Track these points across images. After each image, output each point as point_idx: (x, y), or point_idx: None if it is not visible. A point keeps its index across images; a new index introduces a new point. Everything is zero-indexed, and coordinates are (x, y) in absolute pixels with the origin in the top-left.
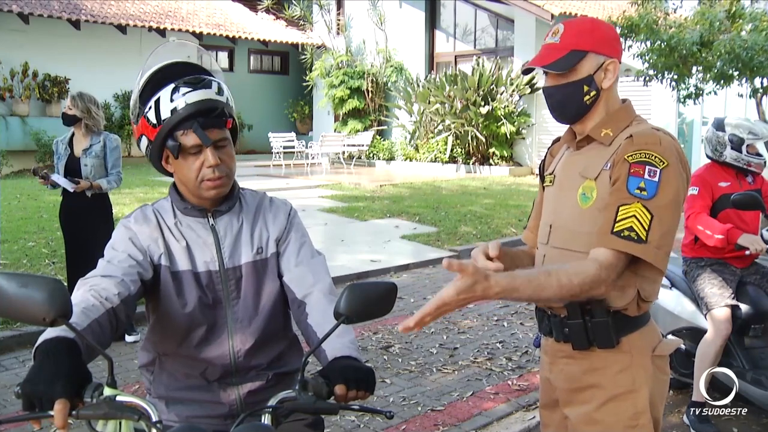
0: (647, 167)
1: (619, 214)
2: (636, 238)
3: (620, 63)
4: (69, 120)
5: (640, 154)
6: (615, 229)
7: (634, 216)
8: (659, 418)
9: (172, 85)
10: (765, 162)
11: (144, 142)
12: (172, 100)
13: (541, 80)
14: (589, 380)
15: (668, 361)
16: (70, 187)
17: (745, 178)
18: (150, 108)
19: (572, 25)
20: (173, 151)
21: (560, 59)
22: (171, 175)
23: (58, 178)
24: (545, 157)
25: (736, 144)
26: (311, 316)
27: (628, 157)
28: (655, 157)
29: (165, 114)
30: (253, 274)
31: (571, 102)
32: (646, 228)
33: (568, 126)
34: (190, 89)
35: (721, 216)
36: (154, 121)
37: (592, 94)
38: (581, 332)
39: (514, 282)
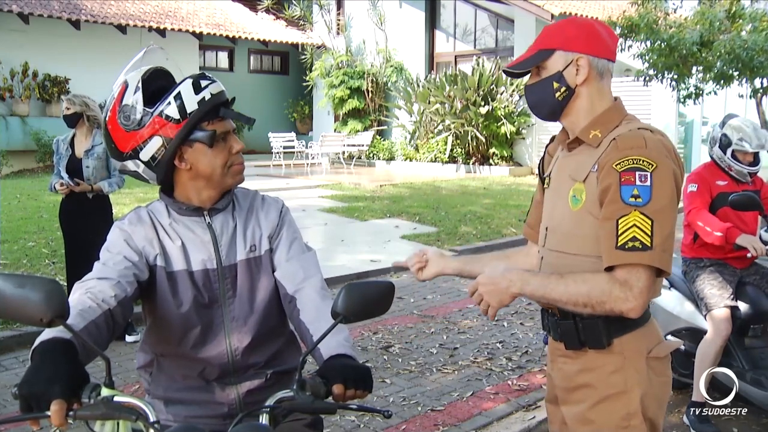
0: (637, 173)
1: (619, 227)
2: (641, 246)
3: (604, 60)
4: (72, 120)
5: (628, 160)
6: (619, 243)
7: (635, 225)
8: (655, 419)
9: (190, 81)
10: (752, 173)
11: (155, 143)
12: (198, 93)
13: None
14: (583, 380)
15: (667, 363)
16: (66, 180)
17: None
18: (169, 104)
19: (548, 28)
20: (208, 140)
21: (525, 59)
22: (169, 180)
23: (63, 174)
24: (543, 156)
25: (724, 144)
26: (303, 313)
27: (615, 165)
28: (643, 160)
29: (191, 106)
30: (247, 271)
31: (543, 99)
32: (649, 234)
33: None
34: (209, 82)
35: (719, 214)
36: (176, 116)
37: (562, 90)
38: (572, 332)
39: (525, 273)
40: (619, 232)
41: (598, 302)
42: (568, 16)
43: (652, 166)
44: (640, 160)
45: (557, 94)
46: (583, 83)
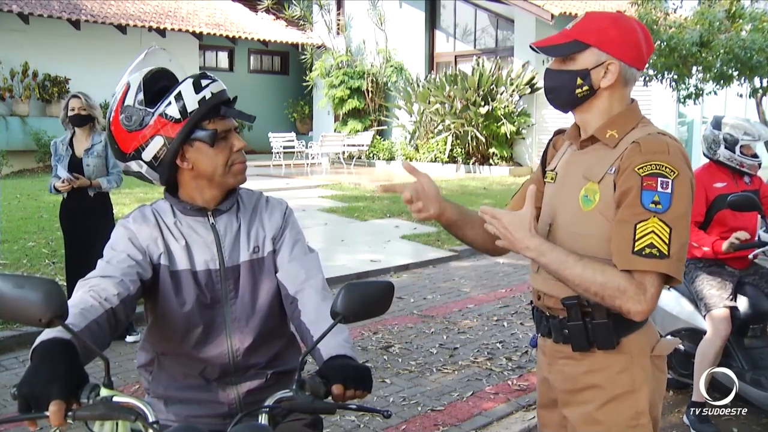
0: (659, 179)
1: (637, 232)
2: (658, 254)
3: (634, 69)
4: (83, 120)
5: (651, 165)
6: (636, 248)
7: (653, 231)
8: (658, 417)
9: (191, 80)
10: (759, 164)
11: (157, 143)
12: (198, 92)
13: (541, 80)
14: (589, 381)
15: (666, 361)
16: (65, 175)
17: (741, 178)
18: (169, 104)
19: (592, 17)
20: (209, 139)
21: (560, 45)
22: (173, 180)
23: (61, 171)
24: (547, 147)
25: (730, 143)
26: (304, 313)
27: (638, 169)
28: (666, 167)
29: (192, 106)
30: (250, 273)
31: (561, 90)
32: (667, 242)
33: (568, 124)
34: (210, 81)
35: (718, 216)
36: (177, 116)
37: (584, 88)
38: (581, 334)
39: (544, 245)
40: (637, 237)
41: (610, 296)
42: (568, 16)
43: (674, 173)
44: (663, 166)
45: (578, 91)
46: (608, 87)
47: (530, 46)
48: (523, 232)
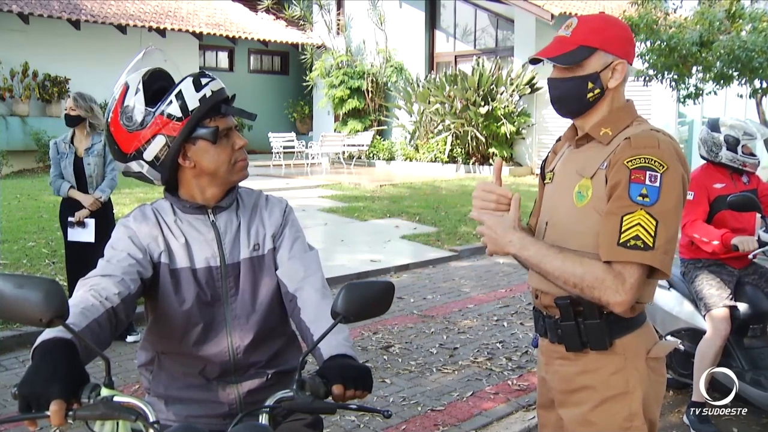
0: (648, 173)
1: (623, 223)
2: (643, 246)
3: (630, 65)
4: (72, 121)
5: (640, 159)
6: (621, 240)
7: (639, 224)
8: (654, 419)
9: (191, 79)
10: (759, 161)
11: (158, 142)
12: (198, 90)
13: (541, 80)
14: (583, 381)
15: (664, 363)
16: (89, 226)
17: (740, 178)
18: (170, 103)
19: (586, 20)
20: (210, 136)
21: (567, 53)
22: (173, 179)
23: (72, 232)
24: (548, 155)
25: (732, 144)
26: (304, 312)
27: (627, 162)
28: (655, 161)
29: (193, 104)
30: (250, 270)
31: (573, 97)
32: (653, 234)
33: (568, 124)
34: (209, 79)
35: (717, 217)
36: (178, 114)
37: (596, 91)
38: (574, 334)
39: (527, 239)
40: (623, 229)
41: (588, 287)
42: (568, 17)
43: (663, 167)
44: (652, 160)
45: (589, 95)
46: (615, 87)
47: (530, 60)
48: (505, 228)
